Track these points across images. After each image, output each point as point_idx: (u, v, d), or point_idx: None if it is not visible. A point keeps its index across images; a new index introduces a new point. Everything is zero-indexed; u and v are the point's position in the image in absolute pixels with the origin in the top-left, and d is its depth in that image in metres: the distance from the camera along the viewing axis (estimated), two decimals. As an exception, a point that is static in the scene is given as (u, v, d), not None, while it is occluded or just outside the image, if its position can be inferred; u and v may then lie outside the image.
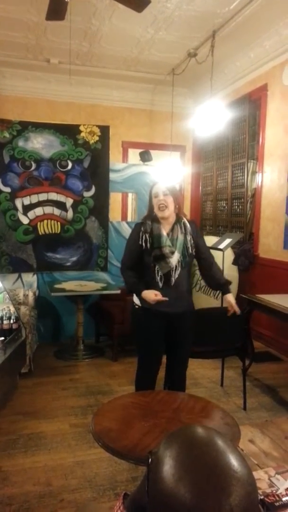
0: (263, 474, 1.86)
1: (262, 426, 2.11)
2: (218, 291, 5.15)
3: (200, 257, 2.71)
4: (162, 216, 2.55)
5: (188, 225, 2.63)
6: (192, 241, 2.60)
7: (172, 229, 2.58)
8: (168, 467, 0.63)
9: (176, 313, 2.59)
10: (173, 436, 0.69)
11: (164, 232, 2.56)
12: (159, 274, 2.53)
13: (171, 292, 2.55)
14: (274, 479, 1.81)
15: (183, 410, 1.87)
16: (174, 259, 2.53)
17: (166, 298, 2.47)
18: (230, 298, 2.73)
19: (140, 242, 2.57)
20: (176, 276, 2.55)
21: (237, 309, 2.73)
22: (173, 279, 2.54)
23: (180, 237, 2.57)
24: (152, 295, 2.47)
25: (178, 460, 0.63)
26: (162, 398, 1.96)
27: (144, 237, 2.56)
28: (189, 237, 2.59)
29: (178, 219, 2.61)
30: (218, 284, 2.78)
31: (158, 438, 1.63)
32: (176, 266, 2.54)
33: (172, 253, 2.53)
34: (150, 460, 0.68)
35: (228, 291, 2.75)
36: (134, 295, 2.68)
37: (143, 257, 2.60)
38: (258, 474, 1.85)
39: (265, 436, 2.03)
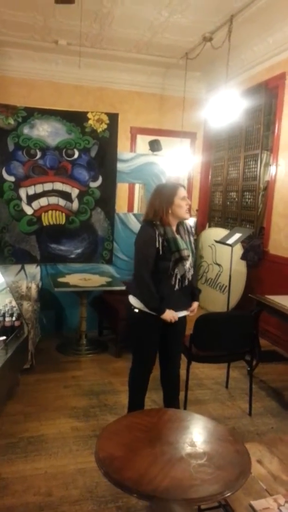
0: (272, 502, 1.77)
1: (271, 444, 2.03)
2: (224, 286, 5.05)
3: None
4: (186, 219, 2.56)
5: (187, 225, 2.66)
6: (193, 241, 2.65)
7: (179, 231, 2.58)
8: None
9: (181, 315, 2.58)
10: None
11: (177, 235, 2.53)
12: (178, 277, 2.49)
13: (182, 294, 2.55)
14: (284, 508, 1.73)
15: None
16: (189, 260, 2.54)
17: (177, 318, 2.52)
18: (195, 305, 2.69)
19: (157, 246, 2.44)
20: (190, 277, 2.56)
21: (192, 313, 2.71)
22: (187, 281, 2.54)
23: (186, 237, 2.59)
24: (171, 315, 2.48)
25: None
26: (169, 418, 1.87)
27: (159, 240, 2.44)
28: (192, 238, 2.63)
29: (180, 221, 2.61)
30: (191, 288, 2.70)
31: (165, 468, 1.54)
32: (189, 268, 2.54)
33: (189, 255, 2.53)
34: None
35: (196, 299, 2.70)
36: (131, 297, 2.60)
37: (157, 262, 2.48)
38: (267, 502, 1.77)
39: (273, 455, 1.94)
